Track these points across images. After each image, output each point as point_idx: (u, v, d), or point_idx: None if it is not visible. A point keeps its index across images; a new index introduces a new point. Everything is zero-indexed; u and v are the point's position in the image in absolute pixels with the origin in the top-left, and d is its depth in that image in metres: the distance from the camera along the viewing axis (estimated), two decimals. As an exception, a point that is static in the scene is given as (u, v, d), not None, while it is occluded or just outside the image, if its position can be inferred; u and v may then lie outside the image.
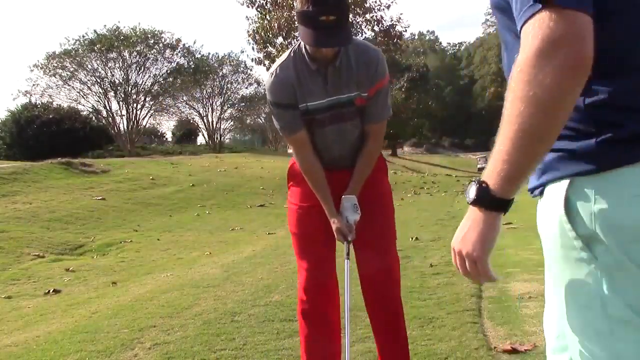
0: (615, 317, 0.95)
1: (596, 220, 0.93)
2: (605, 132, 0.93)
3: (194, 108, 40.37)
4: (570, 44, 0.86)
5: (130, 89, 34.39)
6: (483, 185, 0.98)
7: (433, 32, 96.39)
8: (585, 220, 0.94)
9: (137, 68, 34.53)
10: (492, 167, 0.96)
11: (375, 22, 25.33)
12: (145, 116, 36.36)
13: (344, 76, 2.20)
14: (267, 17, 24.08)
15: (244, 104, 40.98)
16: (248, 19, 25.58)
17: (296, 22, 2.09)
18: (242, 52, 67.28)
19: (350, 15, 24.29)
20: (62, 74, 32.68)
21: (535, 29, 0.88)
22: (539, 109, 0.88)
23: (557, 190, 0.98)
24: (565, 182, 0.97)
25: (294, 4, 2.16)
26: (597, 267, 0.95)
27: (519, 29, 0.93)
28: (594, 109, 0.95)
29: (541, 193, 1.04)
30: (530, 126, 0.89)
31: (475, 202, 1.00)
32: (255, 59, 26.58)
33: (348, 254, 2.30)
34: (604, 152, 0.93)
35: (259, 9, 24.55)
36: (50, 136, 32.32)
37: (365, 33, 25.60)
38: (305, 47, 2.19)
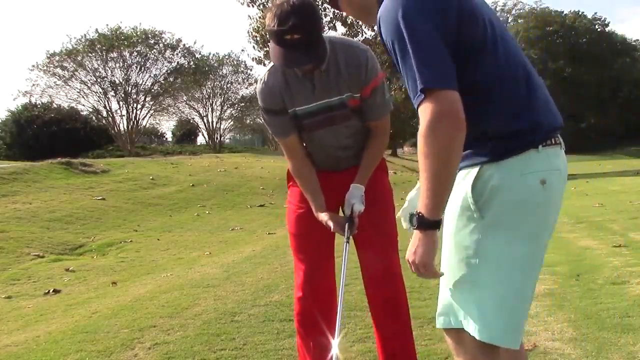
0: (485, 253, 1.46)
1: (490, 191, 1.44)
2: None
3: (194, 108, 40.40)
4: (447, 116, 1.34)
5: (130, 89, 34.38)
6: (420, 214, 1.40)
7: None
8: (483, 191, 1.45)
9: (138, 68, 34.54)
10: (421, 201, 1.40)
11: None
12: (145, 116, 36.36)
13: (333, 79, 2.18)
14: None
15: (243, 104, 40.94)
16: (250, 18, 25.59)
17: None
18: (243, 50, 67.13)
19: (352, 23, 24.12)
20: (62, 74, 32.64)
21: (423, 112, 1.36)
22: (437, 160, 1.35)
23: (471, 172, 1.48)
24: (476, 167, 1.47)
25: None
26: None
27: (415, 108, 1.40)
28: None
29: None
30: (434, 172, 1.36)
31: (418, 227, 1.42)
32: (256, 58, 26.52)
33: (348, 238, 2.23)
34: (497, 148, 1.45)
35: (260, 8, 24.50)
36: (50, 136, 32.35)
37: (365, 33, 25.62)
38: None
